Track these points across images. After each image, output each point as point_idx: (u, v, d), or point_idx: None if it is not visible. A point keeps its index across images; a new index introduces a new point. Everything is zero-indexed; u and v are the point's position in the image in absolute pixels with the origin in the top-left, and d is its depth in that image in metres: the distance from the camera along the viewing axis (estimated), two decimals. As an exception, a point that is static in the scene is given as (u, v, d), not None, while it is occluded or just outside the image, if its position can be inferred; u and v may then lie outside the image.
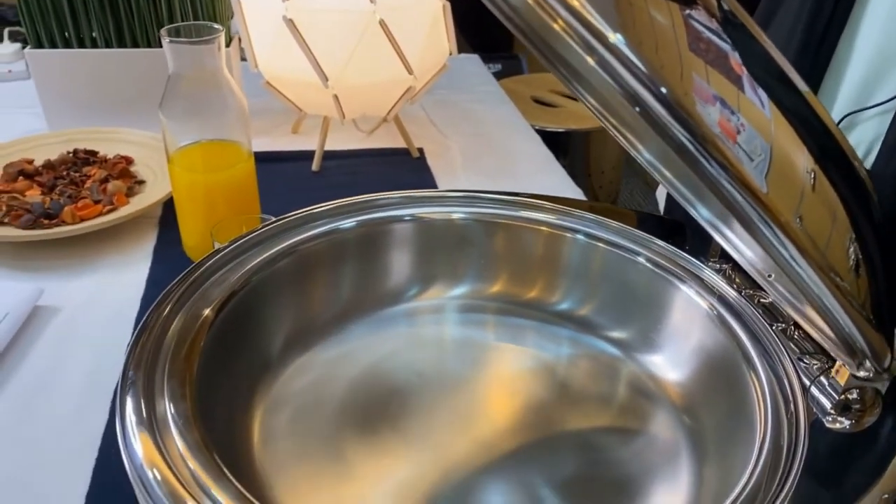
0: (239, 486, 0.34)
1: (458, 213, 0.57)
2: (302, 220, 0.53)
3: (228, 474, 0.34)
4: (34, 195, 0.78)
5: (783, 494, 0.35)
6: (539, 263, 0.57)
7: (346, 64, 0.82)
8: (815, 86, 0.65)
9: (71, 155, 0.85)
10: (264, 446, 0.37)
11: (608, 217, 0.56)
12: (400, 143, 0.97)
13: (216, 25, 0.64)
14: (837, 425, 0.41)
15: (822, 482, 0.38)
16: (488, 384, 0.52)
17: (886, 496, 0.35)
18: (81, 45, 0.92)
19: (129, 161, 0.86)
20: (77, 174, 0.82)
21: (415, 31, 0.84)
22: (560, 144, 1.73)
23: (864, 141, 0.63)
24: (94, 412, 0.55)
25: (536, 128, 1.09)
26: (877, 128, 0.62)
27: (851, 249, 0.37)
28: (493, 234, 0.57)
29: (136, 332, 0.42)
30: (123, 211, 0.76)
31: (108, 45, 0.92)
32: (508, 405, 0.51)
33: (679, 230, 0.55)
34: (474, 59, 1.33)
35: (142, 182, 0.83)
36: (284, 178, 0.89)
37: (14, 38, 1.23)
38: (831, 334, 0.36)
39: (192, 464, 0.35)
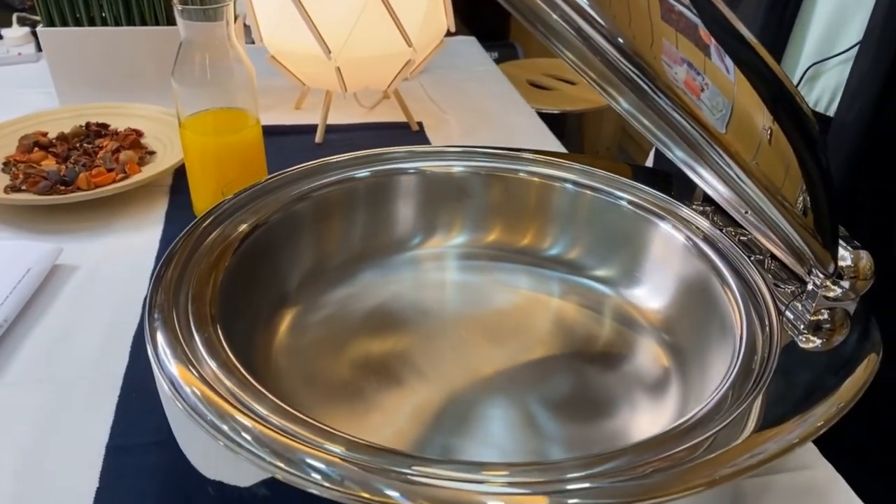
0: (275, 399, 0.37)
1: (457, 167, 0.60)
2: (318, 169, 0.57)
3: (263, 389, 0.37)
4: (49, 164, 0.81)
5: (755, 394, 0.38)
6: (531, 212, 0.61)
7: (347, 37, 0.85)
8: (784, 40, 0.69)
9: (83, 128, 0.88)
10: (280, 376, 0.40)
11: (599, 168, 0.59)
12: (400, 118, 1.00)
13: (225, -5, 0.67)
14: (810, 344, 0.44)
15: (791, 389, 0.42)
16: (486, 320, 0.56)
17: (842, 405, 0.38)
18: (92, 23, 0.95)
19: (139, 134, 0.89)
20: (90, 146, 0.85)
21: (414, 5, 0.87)
22: (556, 126, 1.76)
23: (828, 89, 0.67)
24: (115, 356, 0.58)
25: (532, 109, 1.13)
26: (838, 76, 0.66)
27: (801, 187, 0.41)
28: (489, 185, 0.61)
29: (160, 264, 0.46)
30: (136, 178, 0.79)
31: (116, 24, 0.95)
32: (504, 337, 0.54)
33: (666, 180, 0.59)
34: (472, 40, 1.36)
35: (152, 153, 0.86)
36: (289, 149, 0.92)
37: (22, 22, 1.26)
38: (788, 249, 0.43)
39: (228, 382, 0.37)
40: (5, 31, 1.21)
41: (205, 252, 0.47)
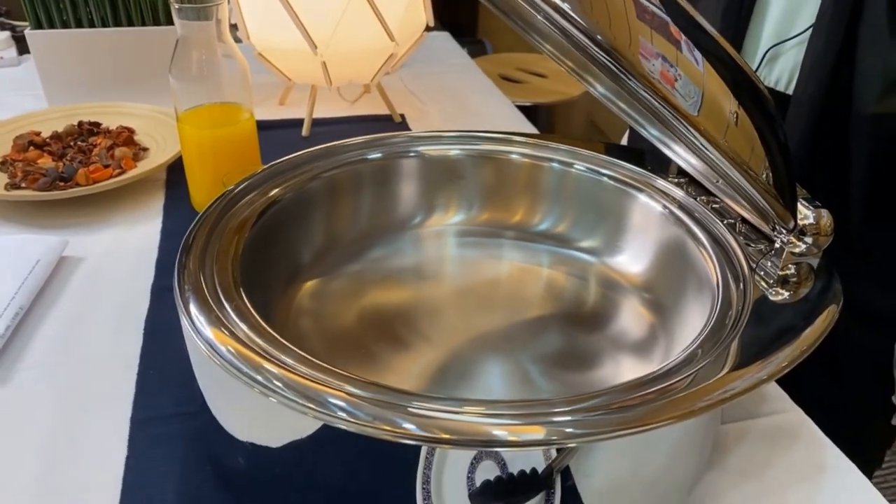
0: (302, 353, 0.40)
1: (453, 150, 0.65)
2: (328, 151, 0.62)
3: (290, 346, 0.41)
4: (46, 162, 0.83)
5: (730, 341, 0.43)
6: (522, 190, 0.66)
7: (332, 32, 0.88)
8: (745, 24, 0.75)
9: (77, 127, 0.91)
10: (299, 341, 0.44)
11: (582, 148, 0.64)
12: (382, 110, 1.04)
13: (219, -6, 0.71)
14: (779, 297, 0.49)
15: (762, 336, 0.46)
16: (482, 289, 0.61)
17: (805, 348, 0.43)
18: (79, 25, 0.97)
19: (131, 131, 0.91)
20: (84, 143, 0.88)
21: (395, 1, 0.91)
22: (528, 116, 1.82)
23: (786, 69, 0.73)
24: (129, 338, 0.61)
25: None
26: (795, 57, 0.71)
27: (764, 162, 0.46)
28: (482, 167, 0.65)
29: (185, 240, 0.49)
30: (133, 172, 0.82)
31: (103, 25, 0.98)
32: (499, 304, 0.59)
33: (641, 156, 0.63)
34: (446, 35, 1.40)
35: (146, 149, 0.89)
36: (277, 143, 0.95)
37: (2, 27, 1.28)
38: (755, 211, 0.48)
39: (259, 341, 0.41)
40: (-14, 37, 1.22)
41: (225, 229, 0.51)
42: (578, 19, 0.38)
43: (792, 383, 0.64)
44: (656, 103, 0.41)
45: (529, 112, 1.92)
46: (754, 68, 0.75)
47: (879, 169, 0.70)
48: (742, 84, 0.44)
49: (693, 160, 0.51)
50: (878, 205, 0.71)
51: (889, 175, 0.70)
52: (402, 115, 1.04)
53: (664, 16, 0.40)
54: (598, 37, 0.38)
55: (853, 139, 0.69)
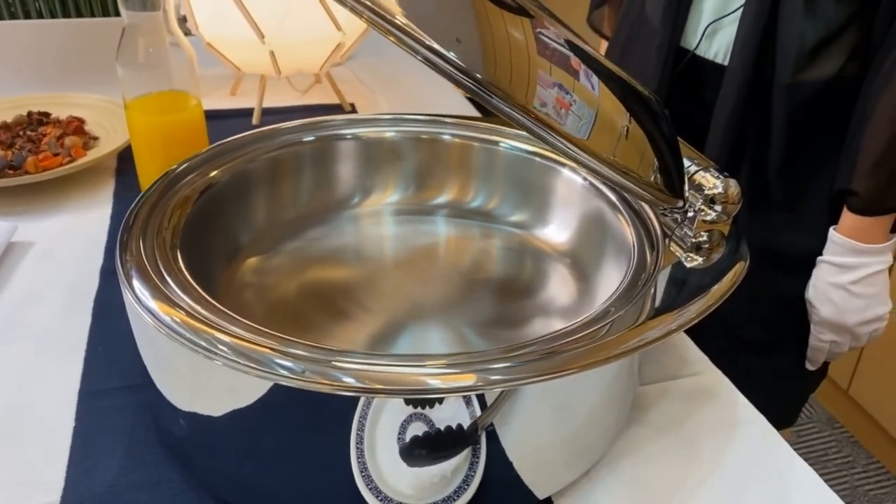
0: (244, 320, 0.42)
1: (389, 132, 0.67)
2: (267, 134, 0.65)
3: (232, 314, 0.43)
4: (-6, 152, 0.84)
5: (641, 297, 0.46)
6: (454, 170, 0.69)
7: (280, 22, 0.90)
8: (688, 1, 0.80)
9: (26, 116, 0.92)
10: (240, 312, 0.46)
11: (508, 128, 0.67)
12: (332, 100, 1.06)
13: (164, -17, 0.72)
14: (694, 263, 0.52)
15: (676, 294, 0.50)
16: (419, 263, 0.64)
17: (711, 302, 0.47)
18: (27, 17, 0.98)
19: (81, 121, 0.92)
20: (33, 133, 0.89)
21: (341, -8, 0.93)
22: (477, 109, 1.86)
23: (723, 43, 0.79)
24: (78, 318, 0.63)
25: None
26: (731, 32, 0.76)
27: (654, 165, 0.49)
28: (416, 148, 0.68)
29: (127, 214, 0.51)
30: (82, 160, 0.83)
31: (52, 17, 0.99)
32: (435, 276, 0.62)
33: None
34: (397, 28, 1.42)
35: (95, 138, 0.90)
36: (228, 132, 0.95)
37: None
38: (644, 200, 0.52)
39: (203, 311, 0.43)
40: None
41: (167, 207, 0.53)
42: (456, 60, 0.41)
43: (723, 329, 0.69)
44: (534, 126, 0.43)
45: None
46: (696, 43, 0.80)
47: (795, 131, 0.77)
48: (630, 95, 0.48)
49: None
50: (794, 163, 0.78)
51: (803, 137, 0.77)
52: (353, 105, 1.07)
53: (566, 51, 0.43)
54: (477, 74, 0.41)
55: (774, 105, 0.76)
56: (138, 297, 0.44)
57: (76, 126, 0.90)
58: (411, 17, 0.40)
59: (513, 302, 0.59)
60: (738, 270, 0.49)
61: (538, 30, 0.43)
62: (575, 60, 0.44)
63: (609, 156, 0.45)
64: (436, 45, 0.40)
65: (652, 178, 0.48)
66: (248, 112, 1.01)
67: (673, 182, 0.50)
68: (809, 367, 0.86)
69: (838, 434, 1.75)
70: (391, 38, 0.40)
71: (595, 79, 0.45)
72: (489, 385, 0.40)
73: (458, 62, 0.40)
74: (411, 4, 0.41)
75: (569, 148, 0.43)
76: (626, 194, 0.57)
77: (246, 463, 0.45)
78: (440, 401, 0.40)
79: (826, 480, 0.50)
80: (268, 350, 0.40)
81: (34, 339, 0.61)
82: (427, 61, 0.40)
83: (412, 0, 0.41)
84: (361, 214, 0.68)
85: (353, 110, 1.06)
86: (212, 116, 0.97)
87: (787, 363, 0.87)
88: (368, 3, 0.39)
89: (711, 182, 0.52)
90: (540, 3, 0.46)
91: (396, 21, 0.39)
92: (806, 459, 0.52)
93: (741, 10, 0.75)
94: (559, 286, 0.60)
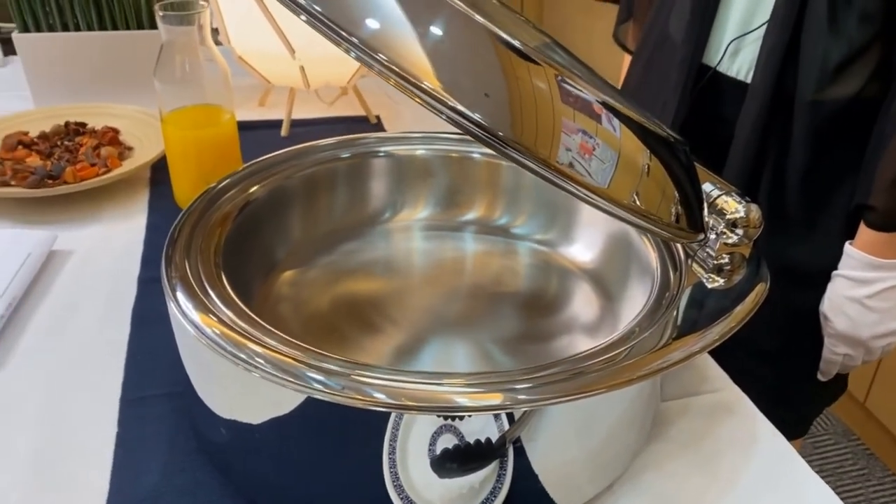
0: (281, 334, 0.45)
1: (420, 150, 0.70)
2: (304, 151, 0.67)
3: (270, 328, 0.45)
4: (34, 161, 0.87)
5: (665, 318, 0.48)
6: (483, 188, 0.71)
7: (310, 38, 0.93)
8: (710, 19, 0.82)
9: (63, 127, 0.94)
10: (277, 325, 0.48)
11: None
12: (359, 112, 1.09)
13: (202, 2, 0.75)
14: (715, 284, 0.54)
15: (698, 315, 0.51)
16: (446, 279, 0.66)
17: (734, 324, 0.48)
18: (65, 29, 1.01)
19: (116, 131, 0.95)
20: (70, 143, 0.91)
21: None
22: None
23: (746, 61, 0.81)
24: (117, 326, 0.65)
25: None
26: (754, 50, 0.78)
27: (674, 198, 0.50)
28: (447, 166, 0.71)
29: (171, 230, 0.53)
30: (118, 171, 0.86)
31: (89, 29, 1.02)
32: (461, 290, 0.65)
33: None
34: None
35: (130, 148, 0.93)
36: (257, 142, 0.98)
37: (-15, 30, 1.30)
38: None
39: (242, 324, 0.45)
40: (-30, 38, 1.25)
41: (208, 223, 0.55)
42: (480, 120, 0.42)
43: (735, 340, 0.70)
44: (552, 177, 0.44)
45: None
46: (718, 59, 0.82)
47: (815, 148, 0.78)
48: (650, 134, 0.49)
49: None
50: (814, 178, 0.79)
51: (823, 153, 0.78)
52: (378, 117, 1.09)
53: (588, 97, 0.45)
54: (500, 132, 0.42)
55: (795, 122, 0.77)
56: (182, 310, 0.47)
57: (111, 136, 0.92)
58: (440, 75, 0.42)
59: (537, 319, 0.61)
60: (760, 292, 0.51)
61: (560, 77, 0.44)
62: (597, 105, 0.45)
63: (630, 198, 0.46)
64: (460, 107, 0.41)
65: (673, 212, 0.50)
66: (276, 123, 1.03)
67: (694, 216, 0.51)
68: (821, 378, 0.87)
69: (854, 446, 1.75)
70: (417, 101, 0.42)
71: (616, 121, 0.46)
72: (516, 404, 0.41)
73: (482, 121, 0.41)
74: (440, 61, 0.42)
75: (589, 197, 0.45)
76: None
77: (282, 471, 0.47)
78: (470, 415, 0.42)
79: (841, 493, 0.52)
80: (303, 364, 0.42)
81: (76, 347, 0.63)
82: (451, 121, 0.42)
83: (440, 56, 0.43)
84: (392, 229, 0.70)
85: (379, 122, 1.08)
86: (242, 127, 0.99)
87: (798, 374, 0.88)
88: (395, 68, 0.41)
89: (733, 206, 0.53)
90: (555, 42, 0.48)
91: (423, 86, 0.41)
92: (821, 471, 0.54)
93: (764, 27, 0.77)
94: (583, 304, 0.62)
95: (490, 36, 0.43)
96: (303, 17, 0.42)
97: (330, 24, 0.42)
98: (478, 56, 0.43)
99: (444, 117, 0.42)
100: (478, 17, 0.43)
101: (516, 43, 0.43)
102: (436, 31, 0.43)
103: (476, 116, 0.41)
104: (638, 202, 0.47)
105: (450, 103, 0.41)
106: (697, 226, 0.52)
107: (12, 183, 0.82)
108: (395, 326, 0.59)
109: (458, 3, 0.43)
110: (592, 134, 0.45)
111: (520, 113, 0.43)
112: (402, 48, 0.42)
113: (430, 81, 0.41)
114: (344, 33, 0.41)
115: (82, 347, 0.63)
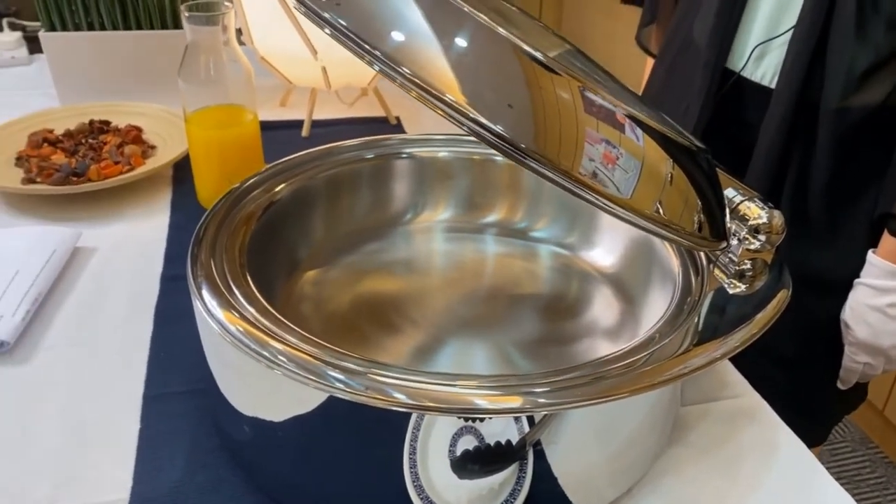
0: (304, 332, 0.45)
1: (443, 152, 0.70)
2: (327, 152, 0.68)
3: (293, 326, 0.46)
4: (59, 159, 0.88)
5: (686, 324, 0.48)
6: (504, 191, 0.71)
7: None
8: (736, 23, 0.82)
9: (88, 125, 0.96)
10: (299, 324, 0.48)
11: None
12: (379, 112, 1.09)
13: (227, 3, 0.75)
14: (737, 290, 0.54)
15: (719, 321, 0.51)
16: (467, 281, 0.66)
17: (755, 331, 0.48)
18: (91, 28, 1.02)
19: (139, 130, 0.96)
20: (94, 141, 0.93)
21: (391, 9, 0.96)
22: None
23: (771, 66, 0.80)
24: (140, 323, 0.66)
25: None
26: (779, 55, 0.78)
27: (697, 207, 0.50)
28: (469, 168, 0.71)
29: (196, 230, 0.54)
30: (142, 169, 0.87)
31: (114, 29, 1.03)
32: (481, 292, 0.65)
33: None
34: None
35: (153, 147, 0.93)
36: (279, 142, 0.99)
37: (13, 27, 1.32)
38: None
39: (266, 322, 0.46)
40: (-2, 36, 1.27)
41: (232, 223, 0.56)
42: (501, 131, 0.42)
43: (754, 346, 0.69)
44: (573, 188, 0.45)
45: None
46: (742, 64, 0.81)
47: (839, 155, 0.77)
48: (673, 143, 0.49)
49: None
50: (837, 186, 0.79)
51: (847, 160, 0.78)
52: (398, 118, 1.09)
53: (611, 106, 0.45)
54: (522, 144, 0.42)
55: (820, 128, 0.77)
56: (208, 308, 0.47)
57: (135, 135, 0.93)
58: (463, 88, 0.42)
59: (557, 322, 0.61)
60: (782, 299, 0.51)
61: (582, 88, 0.44)
62: (620, 115, 0.46)
63: (653, 207, 0.46)
64: (482, 119, 0.41)
65: (696, 221, 0.50)
66: (297, 124, 1.04)
67: (717, 224, 0.51)
68: (841, 386, 0.86)
69: (872, 454, 1.74)
70: (440, 113, 0.42)
71: (639, 130, 0.46)
72: (536, 408, 0.42)
73: (504, 133, 0.42)
74: (462, 73, 0.42)
75: (612, 208, 0.45)
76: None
77: (303, 469, 0.48)
78: (490, 417, 0.42)
79: (859, 501, 0.52)
80: (325, 363, 0.42)
81: (100, 343, 0.64)
82: (473, 133, 0.42)
83: (463, 69, 0.43)
84: (414, 230, 0.71)
85: (399, 123, 1.09)
86: (263, 127, 1.00)
87: (818, 381, 0.88)
88: (417, 81, 0.41)
89: (756, 212, 0.53)
90: (576, 49, 0.48)
91: (445, 98, 0.41)
92: (839, 479, 0.53)
93: (790, 33, 0.77)
94: (603, 308, 0.62)
95: (513, 48, 0.43)
96: (327, 31, 0.43)
97: (354, 38, 0.42)
98: (500, 68, 0.44)
99: (465, 129, 0.42)
100: (501, 30, 0.43)
101: (538, 55, 0.43)
102: (459, 43, 0.43)
103: (498, 128, 0.41)
104: (661, 212, 0.47)
105: (472, 115, 0.41)
106: (720, 234, 0.52)
107: (38, 180, 0.83)
108: (415, 327, 0.59)
109: (481, 15, 0.43)
110: (616, 143, 0.45)
111: (543, 124, 0.43)
112: (424, 61, 0.42)
113: (453, 94, 0.41)
114: (368, 47, 0.42)
115: (106, 343, 0.64)
